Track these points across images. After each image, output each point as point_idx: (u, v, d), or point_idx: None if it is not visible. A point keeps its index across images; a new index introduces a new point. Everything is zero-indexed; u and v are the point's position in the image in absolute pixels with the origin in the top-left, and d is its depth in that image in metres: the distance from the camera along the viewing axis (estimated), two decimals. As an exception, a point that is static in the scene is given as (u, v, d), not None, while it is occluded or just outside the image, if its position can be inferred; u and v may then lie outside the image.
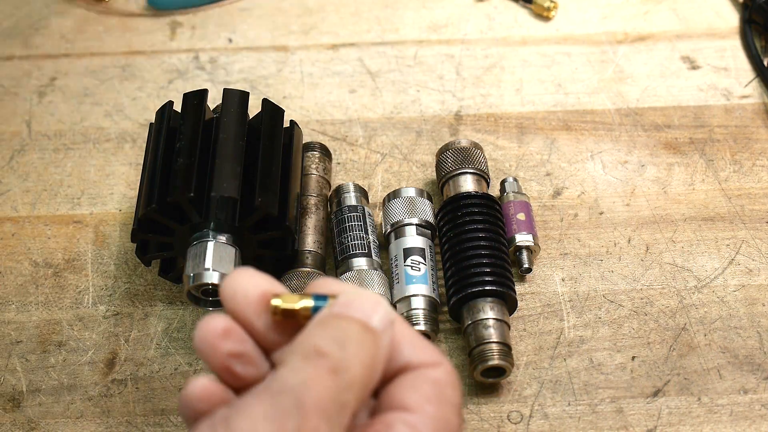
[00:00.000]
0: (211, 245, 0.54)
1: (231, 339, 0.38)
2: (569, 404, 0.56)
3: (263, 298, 0.39)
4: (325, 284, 0.40)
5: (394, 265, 0.59)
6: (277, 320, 0.39)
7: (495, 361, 0.54)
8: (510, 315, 0.57)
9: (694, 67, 0.73)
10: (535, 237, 0.60)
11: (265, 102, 0.61)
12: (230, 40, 0.76)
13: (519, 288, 0.60)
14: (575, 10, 0.77)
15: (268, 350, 0.39)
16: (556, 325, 0.59)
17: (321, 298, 0.39)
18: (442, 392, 0.38)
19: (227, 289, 0.39)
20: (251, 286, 0.39)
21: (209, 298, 0.55)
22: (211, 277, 0.53)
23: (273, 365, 0.39)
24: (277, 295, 0.39)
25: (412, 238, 0.59)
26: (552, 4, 0.75)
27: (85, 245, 0.63)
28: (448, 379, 0.39)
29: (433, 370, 0.39)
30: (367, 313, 0.38)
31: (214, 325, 0.38)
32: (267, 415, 0.33)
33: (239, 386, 0.39)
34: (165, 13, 0.78)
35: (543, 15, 0.76)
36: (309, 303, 0.38)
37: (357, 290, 0.39)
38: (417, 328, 0.56)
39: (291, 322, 0.39)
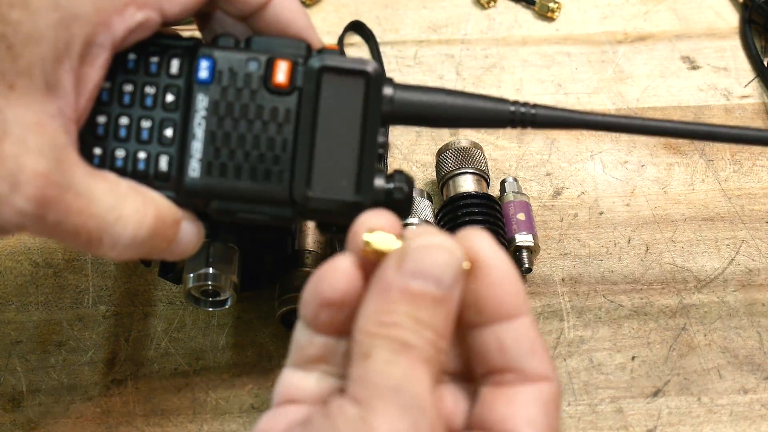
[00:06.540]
0: (210, 246, 0.54)
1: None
2: (569, 404, 0.56)
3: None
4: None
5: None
6: (368, 255, 0.36)
7: (495, 361, 0.54)
8: (510, 315, 0.57)
9: (694, 67, 0.72)
10: (535, 237, 0.60)
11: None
12: (230, 40, 0.76)
13: (519, 288, 0.60)
14: (575, 10, 0.77)
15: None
16: (556, 325, 0.59)
17: None
18: (550, 415, 0.35)
19: (357, 227, 0.37)
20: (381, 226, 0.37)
21: (209, 298, 0.55)
22: (211, 278, 0.53)
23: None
24: (372, 231, 0.37)
25: (412, 238, 0.59)
26: (556, 5, 0.75)
27: (85, 245, 0.63)
28: (557, 400, 0.36)
29: (545, 386, 0.35)
30: (437, 275, 0.34)
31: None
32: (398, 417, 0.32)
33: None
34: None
35: (546, 15, 0.76)
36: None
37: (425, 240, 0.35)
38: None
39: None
